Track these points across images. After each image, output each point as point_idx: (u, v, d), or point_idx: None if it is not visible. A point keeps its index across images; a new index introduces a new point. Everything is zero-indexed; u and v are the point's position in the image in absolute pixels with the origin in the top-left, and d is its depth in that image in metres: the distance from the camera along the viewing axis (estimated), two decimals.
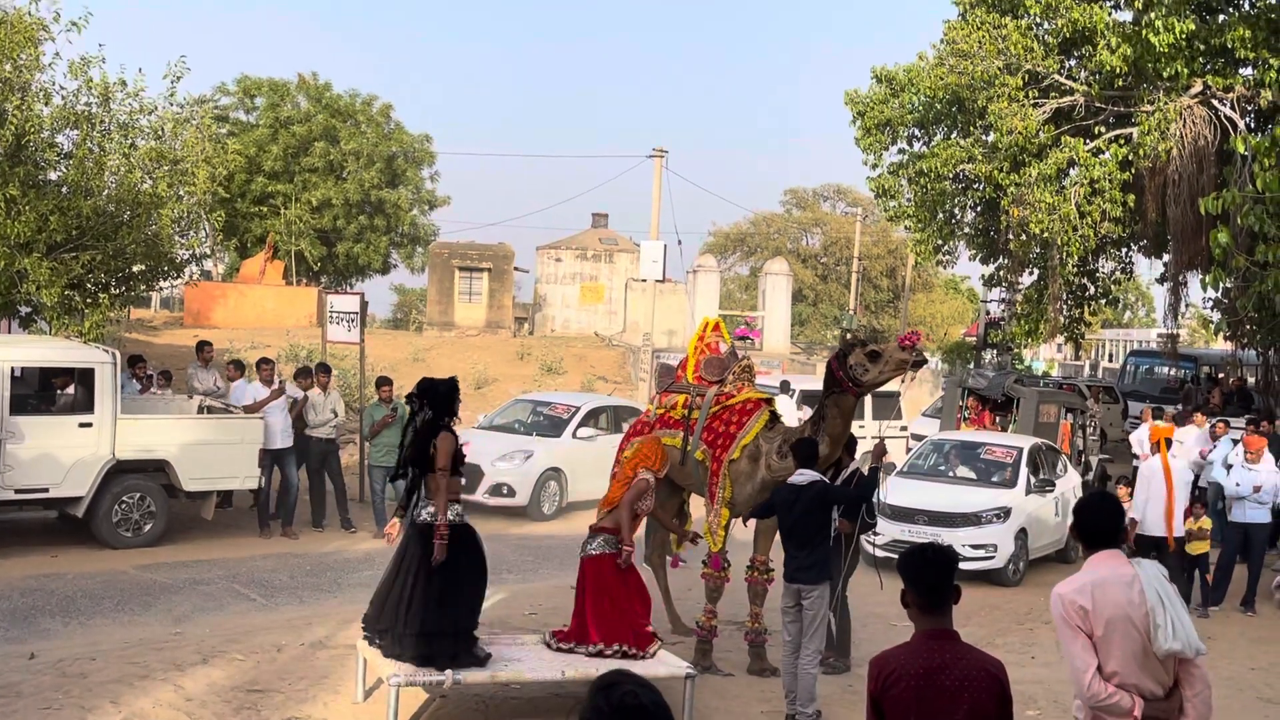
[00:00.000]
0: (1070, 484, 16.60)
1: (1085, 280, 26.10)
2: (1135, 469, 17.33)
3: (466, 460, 16.18)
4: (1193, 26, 19.51)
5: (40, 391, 14.40)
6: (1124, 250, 26.78)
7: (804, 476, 9.12)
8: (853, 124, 25.24)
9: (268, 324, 33.79)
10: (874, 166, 25.42)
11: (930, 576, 4.51)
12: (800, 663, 8.90)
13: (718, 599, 10.30)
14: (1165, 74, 19.90)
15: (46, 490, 13.55)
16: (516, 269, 43.18)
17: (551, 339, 39.41)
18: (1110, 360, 48.70)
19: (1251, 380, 25.42)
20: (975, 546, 14.41)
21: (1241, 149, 15.96)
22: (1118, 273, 27.71)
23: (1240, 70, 20.67)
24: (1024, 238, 22.29)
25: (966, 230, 26.49)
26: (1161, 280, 26.52)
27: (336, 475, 16.12)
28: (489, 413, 21.08)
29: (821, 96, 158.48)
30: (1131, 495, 14.07)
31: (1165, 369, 27.98)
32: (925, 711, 4.33)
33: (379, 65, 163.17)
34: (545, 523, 17.23)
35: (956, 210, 25.73)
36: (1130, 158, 20.73)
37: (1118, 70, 20.61)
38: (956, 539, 13.84)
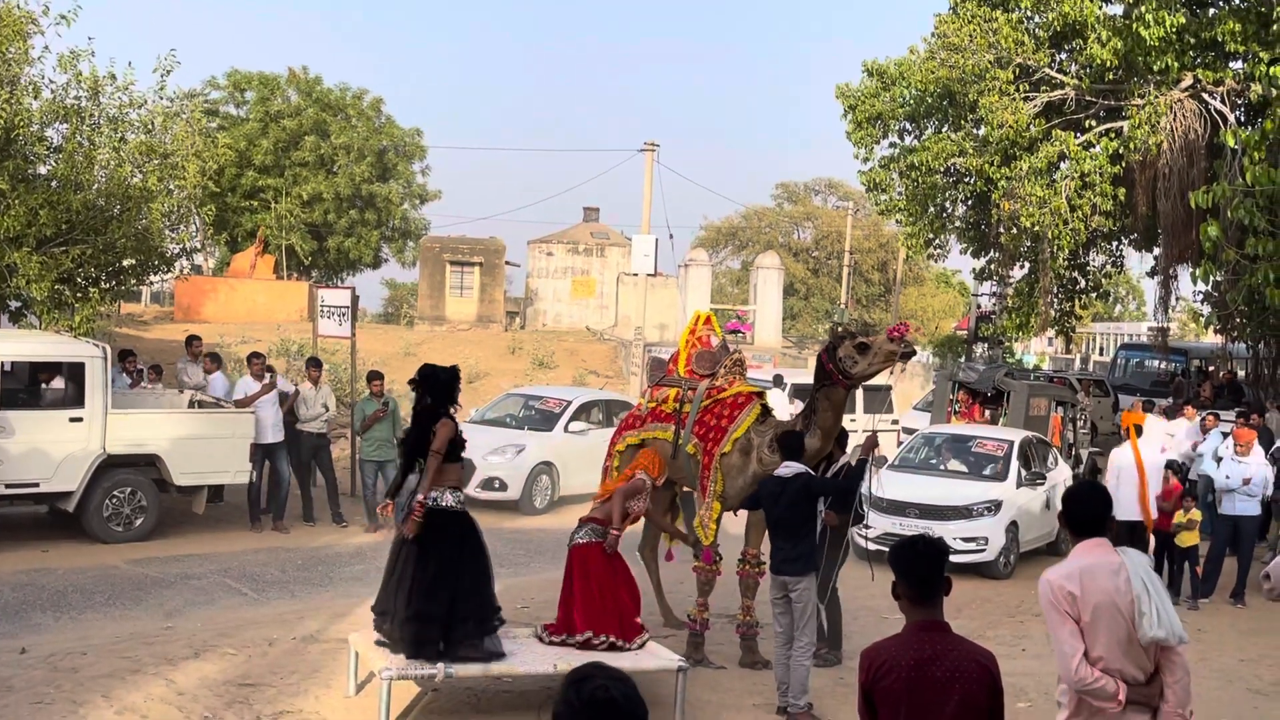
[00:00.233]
0: (1061, 477, 16.63)
1: (1076, 274, 26.11)
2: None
3: None
4: (1183, 20, 19.54)
5: (30, 386, 14.38)
6: (1114, 244, 26.80)
7: (789, 469, 9.18)
8: (844, 118, 25.25)
9: (258, 319, 33.72)
10: (865, 160, 25.45)
11: (921, 568, 4.53)
12: (793, 655, 8.93)
13: (709, 592, 10.32)
14: (1156, 67, 19.93)
15: (37, 485, 13.53)
16: (508, 263, 43.17)
17: (543, 333, 39.40)
18: (1101, 354, 48.80)
19: (1241, 373, 25.47)
20: (966, 539, 14.44)
21: (1231, 142, 16.02)
22: (1108, 266, 27.72)
23: (1230, 64, 20.70)
24: (1015, 231, 22.31)
25: (957, 224, 26.51)
26: (1152, 274, 26.61)
27: (328, 470, 16.12)
28: (481, 407, 21.08)
29: (813, 90, 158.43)
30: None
31: (1156, 362, 27.98)
32: (916, 703, 4.35)
33: (370, 59, 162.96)
34: (537, 517, 17.24)
35: (947, 204, 25.75)
36: (1121, 151, 20.76)
37: (1108, 64, 20.63)
38: (947, 532, 13.86)
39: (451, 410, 8.66)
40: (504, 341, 35.59)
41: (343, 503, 16.27)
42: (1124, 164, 20.92)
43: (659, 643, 9.46)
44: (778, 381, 21.52)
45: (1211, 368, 26.28)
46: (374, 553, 14.43)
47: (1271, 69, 16.93)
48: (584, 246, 43.91)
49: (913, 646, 4.44)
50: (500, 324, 40.50)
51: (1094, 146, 21.19)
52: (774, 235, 65.40)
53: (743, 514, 10.20)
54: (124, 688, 8.57)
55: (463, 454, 8.70)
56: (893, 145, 25.46)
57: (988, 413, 19.63)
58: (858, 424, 19.75)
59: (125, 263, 18.80)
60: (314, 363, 16.48)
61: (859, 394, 21.00)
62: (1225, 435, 15.78)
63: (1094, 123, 21.67)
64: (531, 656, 8.55)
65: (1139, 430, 14.63)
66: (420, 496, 8.25)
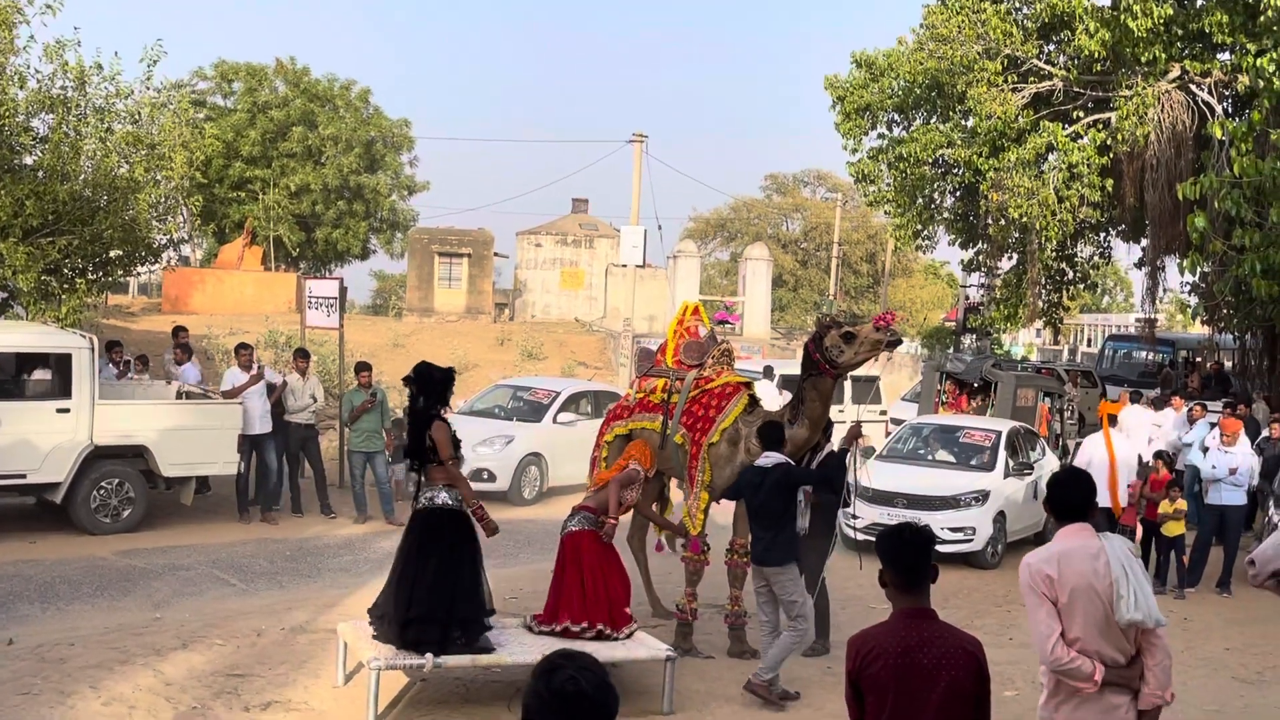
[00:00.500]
0: (1049, 467, 16.66)
1: (1064, 265, 26.20)
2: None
3: None
4: (1170, 11, 19.58)
5: (17, 377, 14.33)
6: (1102, 235, 26.89)
7: (769, 459, 9.22)
8: (832, 109, 25.26)
9: (246, 310, 33.65)
10: (854, 151, 25.47)
11: (908, 556, 4.55)
12: (785, 635, 8.99)
13: (697, 582, 10.34)
14: (1143, 59, 19.97)
15: (24, 476, 13.50)
16: (496, 254, 43.13)
17: (532, 324, 39.37)
18: (1089, 345, 48.88)
19: (1228, 364, 25.57)
20: (954, 529, 14.49)
21: (1219, 134, 16.06)
22: (1096, 257, 27.84)
23: (1218, 55, 20.75)
24: (1003, 222, 22.37)
25: (946, 215, 26.55)
26: (1139, 265, 26.68)
27: (316, 461, 16.11)
28: (469, 398, 21.07)
29: (802, 81, 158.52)
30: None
31: (1143, 353, 28.06)
32: (903, 689, 4.38)
33: (357, 50, 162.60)
34: (526, 507, 17.25)
35: (936, 195, 25.79)
36: (1108, 142, 20.81)
37: (1096, 55, 20.67)
38: (935, 522, 13.90)
39: (442, 411, 8.67)
40: (493, 333, 35.56)
41: (331, 494, 16.25)
42: (1112, 155, 20.97)
43: (648, 632, 9.48)
44: (768, 372, 21.53)
45: (1199, 359, 26.38)
46: (362, 544, 14.45)
47: (1259, 60, 16.99)
48: (573, 238, 43.87)
49: (900, 634, 4.46)
50: (489, 315, 40.47)
51: (1082, 138, 21.25)
52: (763, 227, 65.37)
53: (730, 504, 10.22)
54: (112, 678, 8.57)
55: (458, 452, 8.73)
56: (881, 136, 25.49)
57: (975, 403, 19.69)
58: (846, 415, 19.77)
59: (112, 254, 18.76)
60: (301, 354, 16.45)
61: (848, 384, 21.01)
62: (1212, 426, 15.85)
63: (1082, 114, 21.73)
64: (520, 647, 8.56)
65: (1113, 420, 15.09)
66: (470, 504, 8.45)
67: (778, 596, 9.06)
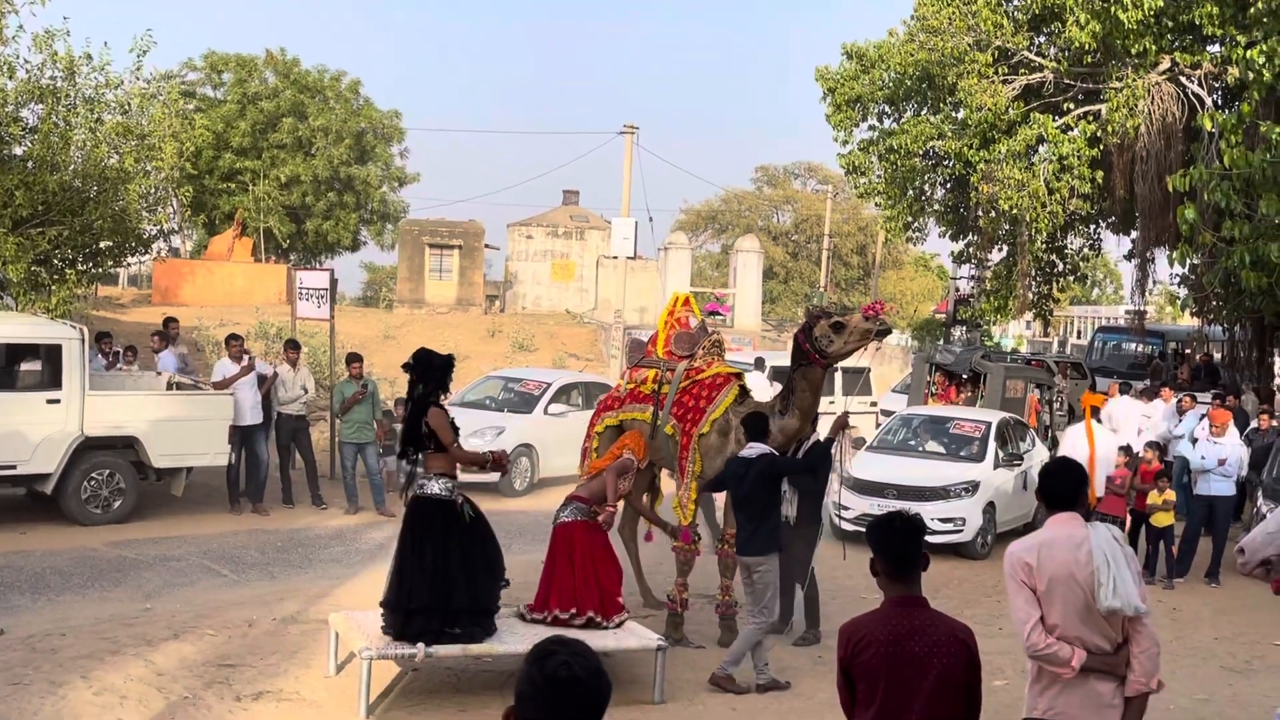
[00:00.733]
0: (1038, 458, 16.70)
1: (1054, 257, 26.25)
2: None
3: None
4: (1161, 3, 19.60)
5: (7, 367, 14.29)
6: (1092, 227, 26.95)
7: (753, 449, 9.27)
8: (823, 100, 25.28)
9: (237, 301, 33.58)
10: (844, 143, 25.50)
11: (898, 544, 4.57)
12: (748, 626, 9.11)
13: (688, 572, 10.36)
14: (1134, 51, 20.00)
15: (14, 467, 13.46)
16: (487, 246, 43.08)
17: (523, 316, 39.35)
18: (1078, 337, 48.99)
19: (1217, 356, 25.64)
20: (943, 520, 14.50)
21: (1209, 125, 16.09)
22: (1086, 249, 27.90)
23: (1208, 47, 20.79)
24: (993, 214, 22.40)
25: (936, 207, 26.60)
26: (1129, 257, 26.74)
27: (307, 452, 16.09)
28: (460, 389, 21.05)
29: (793, 73, 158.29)
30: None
31: (1133, 345, 28.13)
32: (894, 677, 4.39)
33: (347, 41, 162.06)
34: (517, 499, 17.24)
35: (926, 187, 25.83)
36: (1099, 134, 20.85)
37: (1087, 47, 20.70)
38: (925, 512, 13.90)
39: (441, 398, 8.68)
40: (484, 324, 35.54)
41: (322, 485, 16.23)
42: (1102, 147, 21.02)
43: (639, 622, 9.50)
44: (759, 364, 21.55)
45: (1188, 350, 26.46)
46: (353, 535, 14.44)
47: (1249, 52, 17.00)
48: (563, 230, 43.84)
49: (891, 622, 4.47)
50: (480, 307, 40.44)
51: (1072, 129, 21.28)
52: (753, 219, 65.43)
53: (722, 495, 10.25)
54: (103, 668, 8.56)
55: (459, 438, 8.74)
56: (872, 128, 25.52)
57: (964, 395, 19.72)
58: (837, 406, 19.80)
59: (102, 244, 18.72)
60: (292, 344, 16.43)
61: (838, 376, 21.04)
62: (1201, 417, 15.89)
63: (1072, 106, 21.76)
64: (512, 636, 8.57)
65: (1095, 412, 15.44)
66: (490, 452, 8.71)
67: (753, 585, 9.14)
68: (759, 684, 9.06)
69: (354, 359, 16.13)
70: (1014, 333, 47.22)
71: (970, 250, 26.80)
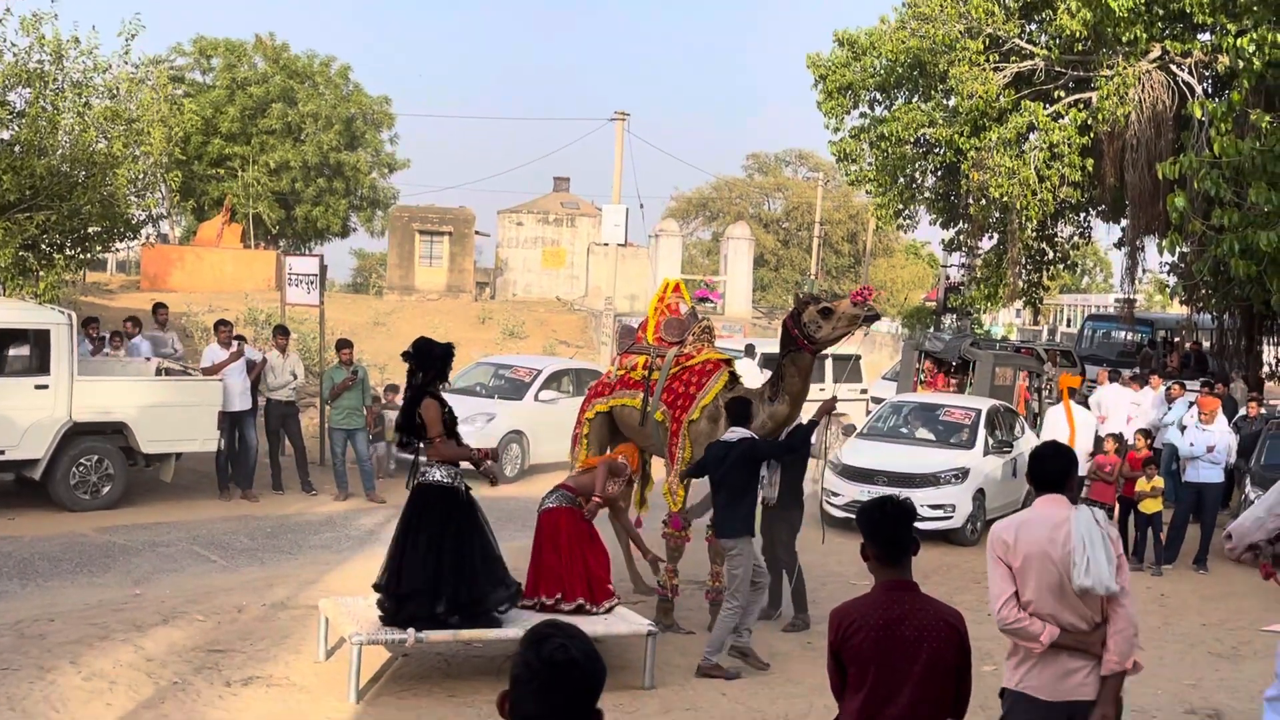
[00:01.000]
0: (1028, 445, 16.73)
1: (1044, 245, 26.27)
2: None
3: None
4: None
5: None
6: (1082, 215, 26.97)
7: (734, 434, 9.31)
8: (814, 88, 25.23)
9: (226, 287, 33.49)
10: (835, 130, 25.45)
11: (889, 529, 4.58)
12: (720, 614, 9.19)
13: (678, 558, 10.37)
14: (1124, 39, 20.01)
15: (2, 453, 13.42)
16: (477, 233, 43.01)
17: (513, 303, 39.32)
18: (1068, 325, 49.12)
19: (1206, 344, 25.71)
20: (934, 506, 14.54)
21: (1199, 114, 16.10)
22: (1076, 237, 27.90)
23: (1198, 35, 20.80)
24: (984, 202, 22.41)
25: (927, 194, 26.59)
26: (1119, 245, 26.80)
27: (296, 438, 16.07)
28: (451, 376, 21.05)
29: (784, 60, 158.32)
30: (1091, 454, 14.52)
31: (1122, 333, 28.20)
32: (885, 661, 4.41)
33: (337, 26, 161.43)
34: (507, 485, 17.22)
35: (917, 174, 25.81)
36: (1089, 122, 20.85)
37: (1077, 34, 20.70)
38: (915, 499, 13.91)
39: (440, 387, 8.67)
40: (474, 311, 35.50)
41: (311, 471, 16.23)
42: (1092, 135, 21.02)
43: (629, 608, 9.52)
44: (749, 351, 21.56)
45: (1177, 338, 26.53)
46: (343, 521, 14.44)
47: (1239, 40, 17.00)
48: (554, 216, 43.79)
49: (882, 606, 4.49)
50: (470, 294, 40.39)
51: (1063, 117, 21.28)
52: (744, 206, 65.40)
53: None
54: (92, 654, 8.56)
55: (456, 429, 8.71)
56: (863, 115, 25.48)
57: (954, 382, 19.76)
58: (827, 393, 19.82)
59: (90, 229, 18.63)
60: (281, 330, 16.40)
61: (828, 363, 21.05)
62: (1190, 404, 15.95)
63: (1063, 93, 21.75)
64: (512, 617, 8.58)
65: (1072, 393, 16.00)
66: (480, 455, 8.62)
67: (726, 569, 9.20)
68: (701, 666, 9.09)
69: (344, 345, 16.11)
70: (1004, 321, 47.30)
71: (961, 238, 26.80)
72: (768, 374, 15.73)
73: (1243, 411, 17.68)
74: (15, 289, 16.90)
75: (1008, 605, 5.04)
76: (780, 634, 10.49)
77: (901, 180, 25.48)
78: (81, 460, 13.84)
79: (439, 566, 8.21)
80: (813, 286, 45.17)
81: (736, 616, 9.19)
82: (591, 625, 8.38)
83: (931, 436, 16.21)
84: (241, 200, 40.66)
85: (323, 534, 13.70)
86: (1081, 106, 21.20)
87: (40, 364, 13.58)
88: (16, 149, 17.19)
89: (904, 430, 16.60)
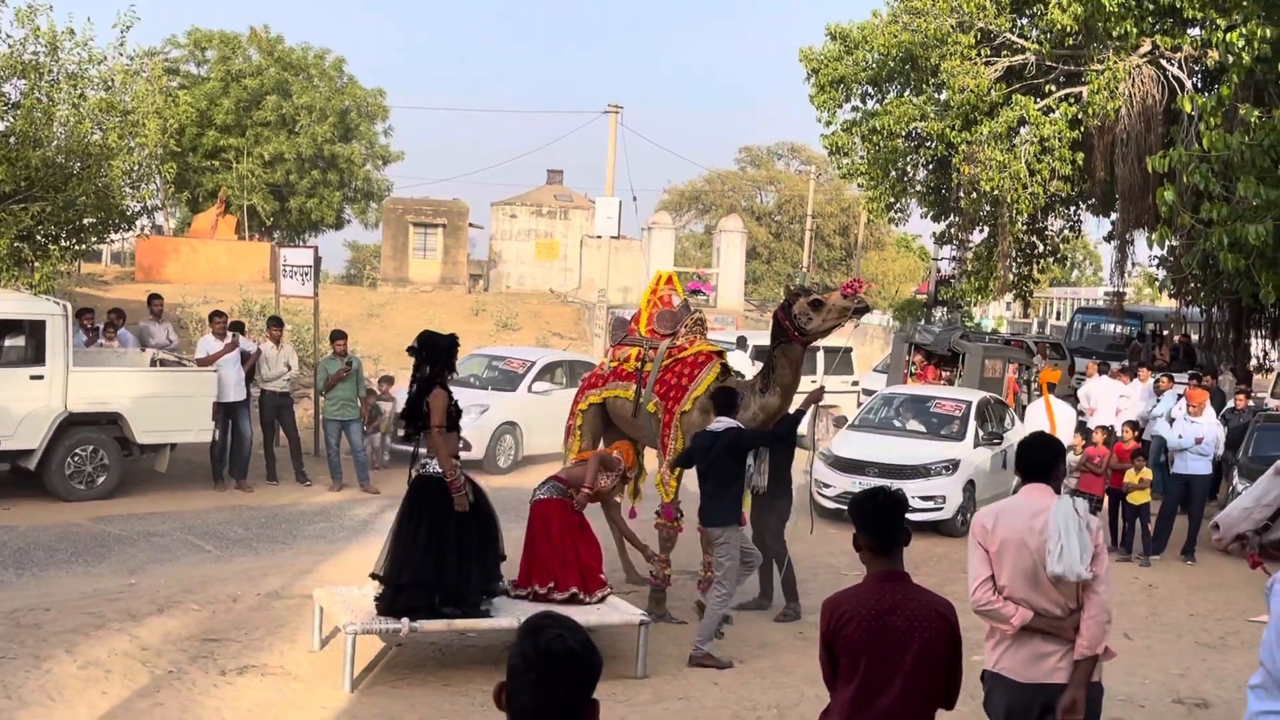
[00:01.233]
0: (1017, 437, 16.74)
1: (1034, 238, 26.32)
2: (1082, 423, 17.58)
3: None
4: None
5: None
6: (1073, 209, 27.02)
7: (721, 424, 9.35)
8: (807, 81, 25.22)
9: (220, 279, 33.42)
10: (828, 124, 25.43)
11: (881, 520, 4.59)
12: (709, 603, 9.21)
13: (670, 549, 10.38)
14: (1115, 33, 20.01)
15: None
16: (471, 225, 42.96)
17: (506, 295, 39.28)
18: (1058, 318, 49.18)
19: (1195, 337, 25.77)
20: (924, 498, 14.56)
21: (1188, 108, 16.11)
22: (1066, 231, 27.97)
23: (1188, 30, 20.83)
24: (974, 195, 22.43)
25: (918, 188, 26.62)
26: (1109, 238, 26.83)
27: (290, 429, 16.05)
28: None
29: (777, 54, 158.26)
30: (1084, 445, 14.53)
31: (1111, 326, 28.26)
32: (877, 652, 4.41)
33: (331, 18, 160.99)
34: (501, 476, 17.23)
35: (909, 168, 25.83)
36: (1080, 116, 20.87)
37: (1068, 29, 20.70)
38: (906, 490, 13.94)
39: (447, 379, 8.68)
40: (467, 303, 35.47)
41: (306, 461, 16.21)
42: (1083, 129, 21.04)
43: (622, 598, 9.53)
44: (741, 343, 21.57)
45: (1166, 331, 26.57)
46: (338, 511, 14.43)
47: (1228, 35, 17.03)
48: (548, 209, 43.74)
49: (873, 596, 4.50)
50: (464, 286, 40.35)
51: (1053, 111, 21.30)
52: (737, 199, 65.39)
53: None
54: (88, 643, 8.55)
55: (460, 422, 8.72)
56: (855, 109, 25.47)
57: (945, 375, 19.79)
58: (819, 384, 19.84)
59: (85, 221, 18.61)
60: (275, 322, 16.38)
61: (820, 355, 21.07)
62: (1179, 397, 15.98)
63: (1054, 88, 21.77)
64: (496, 612, 8.59)
65: (1051, 387, 16.14)
66: (449, 476, 8.30)
67: (714, 556, 9.28)
68: (692, 655, 9.11)
69: (338, 336, 16.09)
70: (994, 314, 47.34)
71: (951, 231, 26.84)
72: (759, 366, 15.78)
73: (1231, 404, 17.72)
74: (10, 280, 16.87)
75: (982, 588, 5.18)
76: (772, 624, 10.50)
77: (893, 174, 25.50)
78: (76, 450, 13.81)
79: (441, 558, 8.23)
80: (804, 279, 45.18)
81: (726, 604, 9.23)
82: (584, 615, 8.40)
83: (922, 428, 16.24)
84: (236, 192, 40.59)
85: (317, 524, 13.69)
86: (1072, 101, 21.22)
87: (35, 354, 13.55)
88: (11, 140, 17.15)
89: (895, 422, 16.62)
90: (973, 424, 15.79)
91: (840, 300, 9.86)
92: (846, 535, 4.74)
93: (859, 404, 20.45)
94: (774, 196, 66.33)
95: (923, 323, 28.72)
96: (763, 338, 22.23)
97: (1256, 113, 14.27)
